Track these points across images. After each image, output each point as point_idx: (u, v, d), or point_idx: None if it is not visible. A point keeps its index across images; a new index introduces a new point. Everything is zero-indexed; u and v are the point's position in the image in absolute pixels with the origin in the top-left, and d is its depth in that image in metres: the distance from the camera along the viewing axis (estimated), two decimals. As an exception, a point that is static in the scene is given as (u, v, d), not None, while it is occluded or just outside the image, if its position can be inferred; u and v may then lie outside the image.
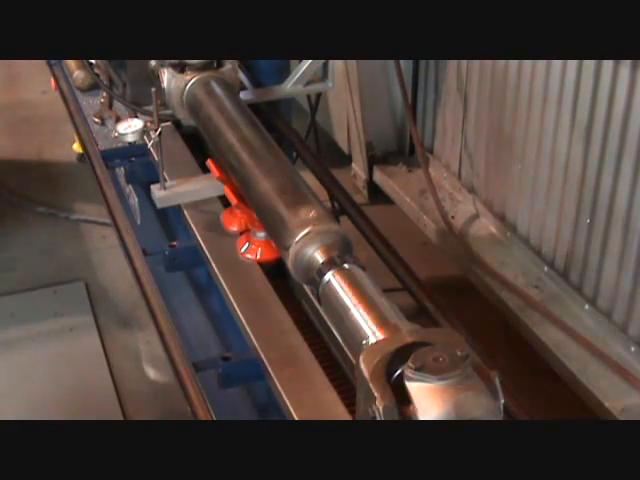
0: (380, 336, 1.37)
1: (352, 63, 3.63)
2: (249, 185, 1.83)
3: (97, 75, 2.70)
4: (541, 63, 2.84)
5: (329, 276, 1.52)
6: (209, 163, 2.18)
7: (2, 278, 3.63)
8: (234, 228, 2.10)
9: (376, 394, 1.20)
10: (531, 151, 2.98)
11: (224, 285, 2.03)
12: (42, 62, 3.39)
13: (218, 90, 2.09)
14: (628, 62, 2.48)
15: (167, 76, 2.16)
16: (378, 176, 3.85)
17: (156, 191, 2.23)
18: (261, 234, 2.00)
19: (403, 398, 1.20)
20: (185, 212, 2.27)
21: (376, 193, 3.92)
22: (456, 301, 2.41)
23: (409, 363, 1.20)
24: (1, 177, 4.14)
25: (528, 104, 2.94)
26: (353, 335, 1.43)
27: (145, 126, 2.25)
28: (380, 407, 1.19)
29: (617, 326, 2.72)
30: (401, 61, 3.49)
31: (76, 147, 3.79)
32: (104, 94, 2.81)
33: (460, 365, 1.20)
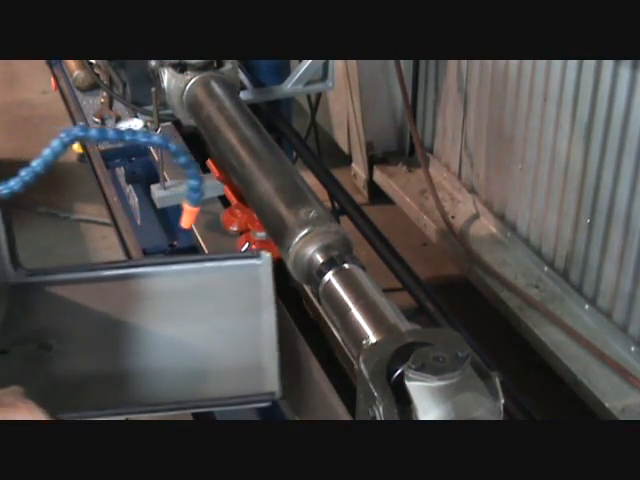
0: (380, 336, 1.37)
1: (352, 63, 3.63)
2: (249, 185, 1.83)
3: (97, 75, 2.69)
4: (541, 63, 2.84)
5: (329, 276, 1.52)
6: (209, 163, 2.18)
7: (2, 278, 3.63)
8: (234, 228, 2.10)
9: (376, 394, 1.20)
10: (531, 151, 2.98)
11: (224, 285, 2.03)
12: (42, 62, 3.39)
13: (218, 90, 2.09)
14: (628, 62, 2.48)
15: (167, 76, 2.16)
16: (378, 176, 3.85)
17: (156, 191, 2.23)
18: (261, 234, 2.00)
19: (403, 398, 1.20)
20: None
21: (376, 193, 3.93)
22: (456, 301, 2.41)
23: (409, 363, 1.20)
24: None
25: (528, 104, 2.94)
26: (353, 335, 1.43)
27: (145, 126, 2.25)
28: (380, 407, 1.19)
29: (617, 326, 2.72)
30: (401, 61, 3.49)
31: (76, 147, 3.78)
32: (104, 94, 2.81)
33: (460, 365, 1.20)
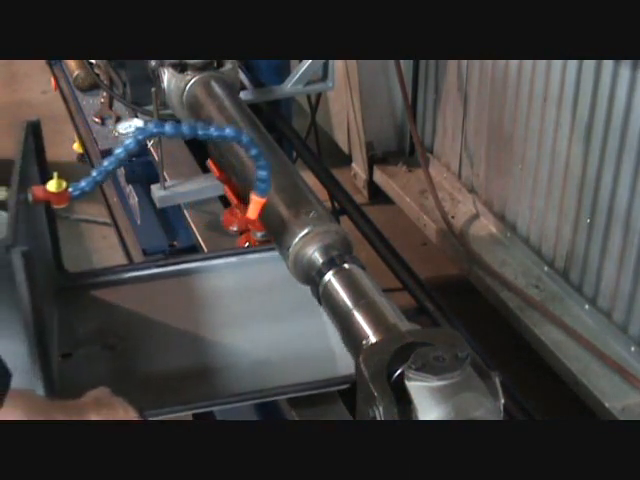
0: (380, 336, 1.37)
1: (352, 63, 3.62)
2: (249, 185, 1.83)
3: (97, 75, 2.69)
4: (541, 63, 2.84)
5: (329, 276, 1.52)
6: (209, 163, 2.18)
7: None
8: (234, 228, 2.10)
9: (376, 394, 1.20)
10: (531, 151, 2.98)
11: (224, 285, 2.04)
12: (42, 62, 3.39)
13: (218, 90, 2.09)
14: (628, 62, 2.47)
15: (167, 76, 2.16)
16: (378, 176, 3.85)
17: (156, 191, 2.23)
18: (261, 234, 2.00)
19: (403, 398, 1.20)
20: (185, 212, 2.27)
21: (376, 193, 3.92)
22: (456, 301, 2.41)
23: (409, 363, 1.20)
24: (1, 177, 4.14)
25: (528, 104, 2.94)
26: (353, 335, 1.43)
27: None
28: (380, 407, 1.19)
29: (617, 326, 2.72)
30: (401, 61, 3.48)
31: (76, 147, 3.79)
32: (104, 94, 2.81)
33: (460, 365, 1.20)
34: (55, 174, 1.62)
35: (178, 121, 2.40)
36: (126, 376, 1.67)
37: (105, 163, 1.68)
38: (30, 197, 1.60)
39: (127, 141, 1.67)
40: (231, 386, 1.64)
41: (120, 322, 1.79)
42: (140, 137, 1.66)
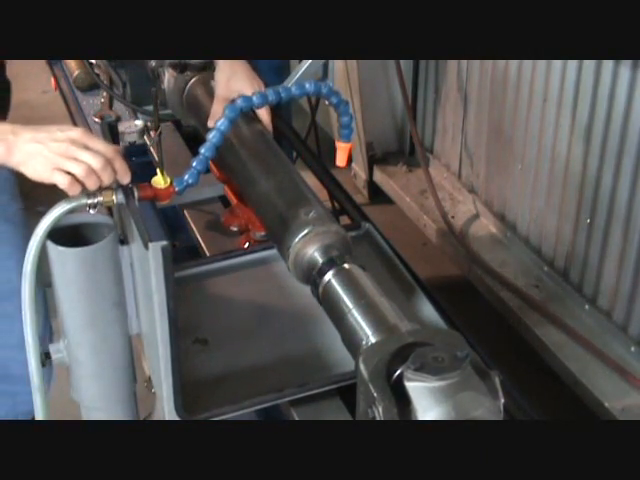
0: (380, 336, 1.37)
1: (352, 63, 3.62)
2: (249, 185, 1.83)
3: (97, 75, 2.69)
4: (541, 63, 2.84)
5: (329, 276, 1.52)
6: (209, 163, 2.18)
7: (2, 278, 3.62)
8: (234, 228, 2.10)
9: (376, 394, 1.20)
10: (531, 151, 2.98)
11: (224, 285, 2.03)
12: (42, 62, 3.39)
13: (218, 90, 2.09)
14: (628, 62, 2.47)
15: (167, 76, 2.16)
16: (378, 176, 3.85)
17: (156, 191, 2.22)
18: (261, 234, 2.00)
19: (403, 398, 1.20)
20: (185, 212, 2.26)
21: (376, 193, 3.93)
22: (456, 301, 2.41)
23: (409, 363, 1.20)
24: None
25: (528, 104, 2.94)
26: (353, 335, 1.43)
27: (145, 126, 2.25)
28: (380, 407, 1.19)
29: (617, 326, 2.72)
30: (401, 61, 3.48)
31: (76, 147, 3.78)
32: (104, 94, 2.81)
33: (460, 365, 1.20)
34: (159, 169, 1.59)
35: (177, 121, 2.41)
36: (230, 368, 1.65)
37: (202, 150, 1.66)
38: (137, 195, 1.57)
39: (219, 123, 1.65)
40: (328, 371, 1.63)
41: (209, 314, 1.77)
42: (232, 115, 1.64)
